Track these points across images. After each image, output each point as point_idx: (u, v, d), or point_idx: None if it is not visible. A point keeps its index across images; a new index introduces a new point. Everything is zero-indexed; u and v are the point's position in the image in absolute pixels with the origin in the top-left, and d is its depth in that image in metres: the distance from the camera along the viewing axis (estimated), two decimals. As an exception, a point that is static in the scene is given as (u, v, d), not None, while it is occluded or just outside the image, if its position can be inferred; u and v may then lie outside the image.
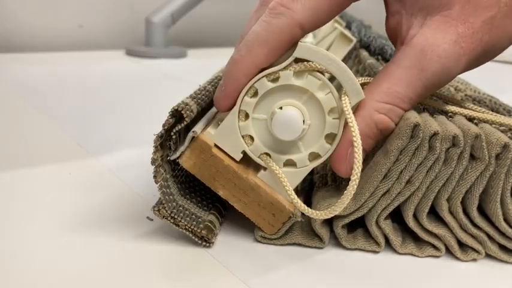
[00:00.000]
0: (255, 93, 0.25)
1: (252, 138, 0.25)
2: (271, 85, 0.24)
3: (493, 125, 0.26)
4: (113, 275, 0.23)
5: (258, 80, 0.24)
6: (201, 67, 0.74)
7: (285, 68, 0.24)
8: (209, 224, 0.25)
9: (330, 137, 0.25)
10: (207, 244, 0.25)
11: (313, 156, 0.25)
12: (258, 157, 0.25)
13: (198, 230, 0.25)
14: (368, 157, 0.26)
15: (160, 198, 0.25)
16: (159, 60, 0.78)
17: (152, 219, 0.28)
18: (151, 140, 0.24)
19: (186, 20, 0.88)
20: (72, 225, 0.27)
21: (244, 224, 0.27)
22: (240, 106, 0.25)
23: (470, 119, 0.27)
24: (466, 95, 0.35)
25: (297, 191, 0.28)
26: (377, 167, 0.25)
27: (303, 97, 0.25)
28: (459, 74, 0.25)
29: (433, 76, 0.24)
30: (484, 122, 0.27)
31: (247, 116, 0.25)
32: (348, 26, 0.54)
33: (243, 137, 0.25)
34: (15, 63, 0.67)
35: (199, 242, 0.25)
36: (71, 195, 0.30)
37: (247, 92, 0.25)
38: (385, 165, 0.24)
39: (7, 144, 0.38)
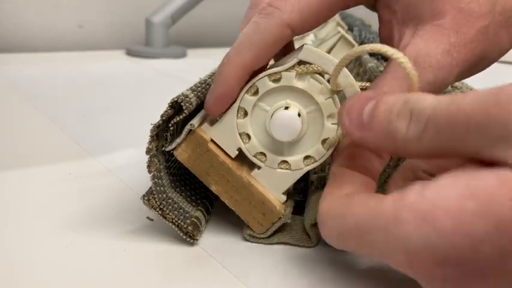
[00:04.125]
0: (256, 92, 0.25)
1: (249, 136, 0.25)
2: (272, 85, 0.24)
3: None
4: (112, 275, 0.23)
5: (260, 78, 0.24)
6: (201, 67, 0.74)
7: (287, 70, 0.24)
8: (195, 221, 0.25)
9: (309, 159, 0.25)
10: (192, 240, 0.25)
11: (309, 159, 0.25)
12: (254, 156, 0.25)
13: (185, 226, 0.25)
14: None
15: (150, 187, 0.25)
16: (159, 60, 0.78)
17: (152, 219, 0.28)
18: (151, 140, 0.24)
19: (186, 20, 0.88)
20: (72, 225, 0.27)
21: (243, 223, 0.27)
22: (240, 103, 0.25)
23: None
24: (462, 92, 0.35)
25: (289, 192, 0.28)
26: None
27: (303, 100, 0.25)
28: (451, 83, 0.25)
29: (426, 86, 0.24)
30: None
31: (246, 113, 0.25)
32: (350, 29, 0.54)
33: (240, 134, 0.25)
34: (15, 63, 0.67)
35: (184, 237, 0.25)
36: (71, 195, 0.30)
37: (248, 89, 0.25)
38: (385, 173, 0.24)
39: (7, 144, 0.38)
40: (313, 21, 0.25)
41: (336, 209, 0.20)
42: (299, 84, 0.24)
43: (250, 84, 0.24)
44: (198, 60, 0.82)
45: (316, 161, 0.25)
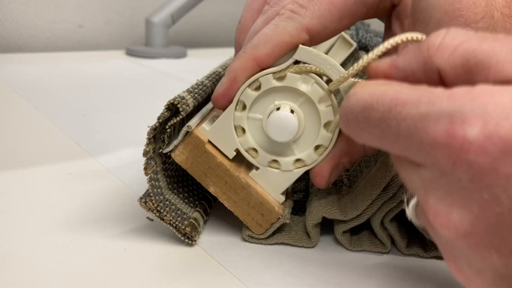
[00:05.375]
0: (258, 87, 0.24)
1: (243, 130, 0.25)
2: (275, 83, 0.24)
3: None
4: (112, 275, 0.23)
5: (264, 75, 0.24)
6: (201, 67, 0.74)
7: (285, 69, 0.24)
8: (193, 222, 0.25)
9: (320, 149, 0.25)
10: (190, 242, 0.25)
11: (299, 162, 0.25)
12: (246, 151, 0.25)
13: (182, 227, 0.25)
14: (372, 163, 0.26)
15: (147, 189, 0.25)
16: (159, 60, 0.78)
17: (152, 220, 0.28)
18: (151, 140, 0.24)
19: (186, 20, 0.88)
20: (72, 225, 0.27)
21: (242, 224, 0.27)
22: (240, 97, 0.25)
23: None
24: None
25: (287, 193, 0.28)
26: (381, 175, 0.25)
27: (303, 102, 0.24)
28: None
29: None
30: None
31: (244, 107, 0.25)
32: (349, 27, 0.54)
33: (235, 127, 0.25)
34: (15, 63, 0.67)
35: (182, 238, 0.25)
36: (71, 195, 0.30)
37: (250, 84, 0.24)
38: (390, 173, 0.24)
39: (7, 144, 0.38)
40: (333, 30, 0.25)
41: (375, 84, 0.20)
42: (302, 87, 0.24)
43: (254, 78, 0.24)
44: (198, 60, 0.82)
45: (306, 165, 0.25)
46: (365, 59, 0.21)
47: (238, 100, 0.25)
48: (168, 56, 0.81)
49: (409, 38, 0.21)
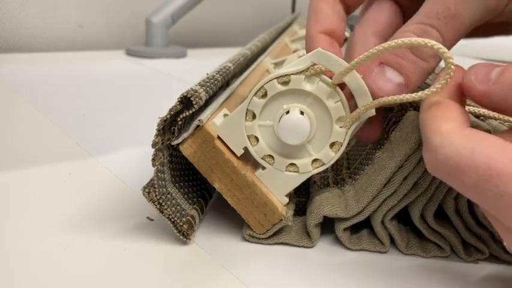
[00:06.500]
0: (264, 95, 0.24)
1: (257, 139, 0.25)
2: (281, 88, 0.24)
3: (499, 122, 0.26)
4: (112, 275, 0.23)
5: (269, 81, 0.24)
6: (201, 67, 0.74)
7: (300, 72, 0.24)
8: (191, 219, 0.25)
9: (335, 146, 0.25)
10: (185, 239, 0.25)
11: (317, 162, 0.25)
12: (262, 158, 0.25)
13: (180, 223, 0.25)
14: (373, 159, 0.26)
15: (151, 180, 0.25)
16: (159, 60, 0.78)
17: (152, 219, 0.28)
18: (151, 140, 0.24)
19: (186, 20, 0.88)
20: (72, 226, 0.27)
21: (244, 224, 0.27)
22: (248, 106, 0.25)
23: (477, 116, 0.27)
24: None
25: (290, 195, 0.27)
26: (382, 171, 0.25)
27: (311, 102, 0.24)
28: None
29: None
30: (490, 118, 0.27)
31: (254, 116, 0.25)
32: (352, 30, 0.54)
33: (248, 137, 0.25)
34: (15, 63, 0.67)
35: (178, 235, 0.25)
36: (71, 195, 0.30)
37: (256, 92, 0.24)
38: (390, 169, 0.24)
39: (7, 144, 0.38)
40: None
41: (459, 138, 0.19)
42: (308, 87, 0.24)
43: (258, 86, 0.24)
44: (198, 60, 0.82)
45: (324, 164, 0.25)
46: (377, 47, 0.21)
47: (247, 110, 0.25)
48: (168, 56, 0.81)
49: (428, 44, 0.21)
